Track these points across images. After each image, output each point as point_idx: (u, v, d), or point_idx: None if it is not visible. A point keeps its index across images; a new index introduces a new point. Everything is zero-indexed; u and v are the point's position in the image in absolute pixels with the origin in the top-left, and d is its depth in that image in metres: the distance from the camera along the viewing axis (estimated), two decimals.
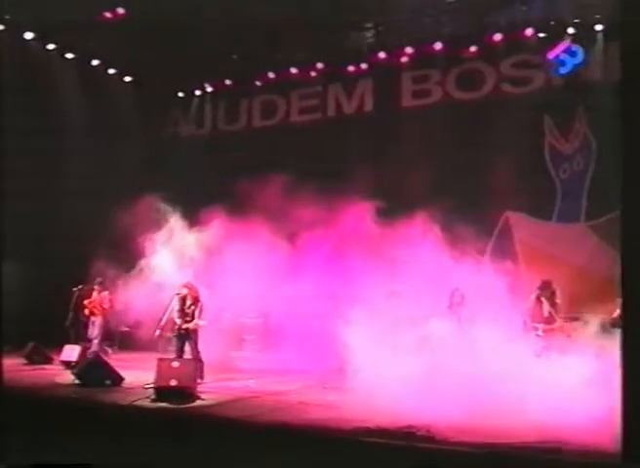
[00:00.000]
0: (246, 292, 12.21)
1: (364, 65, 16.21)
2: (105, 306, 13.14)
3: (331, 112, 16.93)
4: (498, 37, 14.55)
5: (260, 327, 13.87)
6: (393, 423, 7.03)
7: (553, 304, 10.27)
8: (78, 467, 6.35)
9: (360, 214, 11.76)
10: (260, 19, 13.77)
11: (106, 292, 13.13)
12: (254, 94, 17.65)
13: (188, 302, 10.72)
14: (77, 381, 10.30)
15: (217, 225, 12.08)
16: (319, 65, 16.58)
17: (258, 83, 17.40)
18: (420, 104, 15.80)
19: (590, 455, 6.06)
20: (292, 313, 11.87)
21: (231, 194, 12.96)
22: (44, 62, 15.76)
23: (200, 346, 10.73)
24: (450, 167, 14.19)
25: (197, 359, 10.58)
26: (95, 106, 16.19)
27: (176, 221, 12.27)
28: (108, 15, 14.44)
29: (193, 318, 10.67)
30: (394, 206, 11.90)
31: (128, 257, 12.20)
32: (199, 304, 10.73)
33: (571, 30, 13.79)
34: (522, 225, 14.54)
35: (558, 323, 10.12)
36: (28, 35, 15.34)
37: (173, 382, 9.11)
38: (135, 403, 8.81)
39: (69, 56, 16.34)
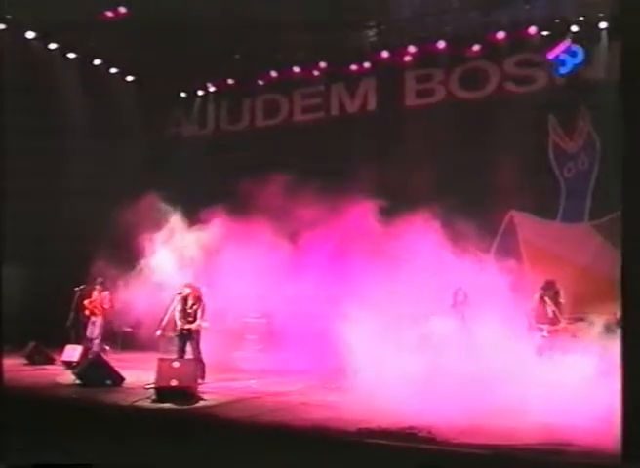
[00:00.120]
0: (248, 291, 12.19)
1: (367, 64, 16.13)
2: (106, 306, 13.10)
3: (334, 111, 16.86)
4: (501, 36, 14.47)
5: (262, 327, 13.81)
6: (395, 424, 7.02)
7: (557, 304, 10.21)
8: (79, 467, 6.34)
9: (363, 213, 11.74)
10: (263, 19, 13.71)
11: (107, 292, 13.10)
12: (256, 93, 17.59)
13: (190, 302, 10.69)
14: (78, 381, 10.28)
15: (219, 225, 12.06)
16: (322, 64, 16.51)
17: (260, 82, 17.34)
18: (423, 103, 15.72)
19: (591, 456, 6.03)
20: (294, 313, 11.84)
21: (234, 194, 12.93)
22: (45, 62, 15.72)
23: (202, 346, 10.70)
24: (453, 166, 14.12)
25: (198, 359, 10.55)
26: (96, 106, 16.14)
27: (178, 221, 12.26)
28: (110, 14, 14.41)
29: (195, 318, 10.64)
30: (398, 205, 11.83)
31: (129, 257, 12.18)
32: (201, 304, 10.70)
33: (574, 28, 13.70)
34: (526, 225, 14.47)
35: (562, 323, 10.05)
36: (30, 35, 15.29)
37: (173, 382, 9.09)
38: (135, 403, 8.80)
39: (71, 55, 16.30)
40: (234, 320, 13.72)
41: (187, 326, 10.61)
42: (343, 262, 11.93)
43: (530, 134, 13.86)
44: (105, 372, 10.37)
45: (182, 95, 18.48)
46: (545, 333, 9.93)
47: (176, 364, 9.51)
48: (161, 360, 9.55)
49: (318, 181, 12.00)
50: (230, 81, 17.71)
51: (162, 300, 10.83)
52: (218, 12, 13.65)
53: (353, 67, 16.29)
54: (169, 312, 10.50)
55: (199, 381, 9.95)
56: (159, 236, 12.13)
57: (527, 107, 13.86)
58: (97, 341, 13.00)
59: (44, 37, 15.59)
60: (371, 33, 15.74)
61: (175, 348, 10.82)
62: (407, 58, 15.72)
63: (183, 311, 10.66)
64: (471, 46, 14.92)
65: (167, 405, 8.78)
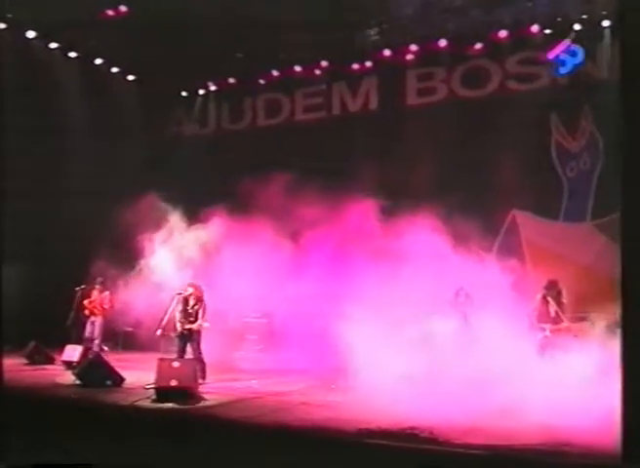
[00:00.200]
0: (249, 291, 12.16)
1: (369, 63, 16.09)
2: (106, 306, 13.08)
3: (336, 110, 16.82)
4: (503, 34, 14.41)
5: (263, 327, 13.77)
6: (396, 424, 7.00)
7: (559, 304, 10.15)
8: (79, 467, 6.33)
9: (365, 212, 11.71)
10: (264, 17, 13.66)
11: (107, 292, 13.08)
12: (258, 92, 17.55)
13: (192, 302, 10.67)
14: (78, 381, 10.27)
15: (220, 224, 12.03)
16: (323, 63, 16.47)
17: (262, 81, 17.30)
18: (425, 102, 15.67)
19: (591, 456, 6.02)
20: (295, 313, 11.80)
21: (235, 193, 12.89)
22: (46, 61, 15.69)
23: (202, 346, 10.66)
24: (455, 165, 14.07)
25: (199, 359, 10.52)
26: (97, 105, 16.11)
27: (178, 221, 12.23)
28: (111, 13, 14.36)
29: (197, 318, 10.62)
30: (399, 204, 11.80)
31: (129, 257, 12.17)
32: (203, 305, 10.67)
33: (577, 27, 13.64)
34: (529, 224, 14.41)
35: (565, 323, 10.00)
36: (30, 34, 15.26)
37: (173, 382, 9.09)
38: (135, 403, 8.80)
39: (72, 54, 16.27)
40: (235, 320, 13.69)
41: (188, 326, 10.58)
42: (345, 262, 11.88)
43: (532, 133, 13.77)
44: (105, 373, 10.36)
45: (184, 94, 18.45)
46: (548, 333, 9.88)
47: (176, 364, 9.50)
48: (161, 360, 9.54)
49: (319, 181, 11.96)
50: (232, 80, 17.66)
51: (162, 300, 10.82)
52: (219, 10, 13.60)
53: (355, 66, 16.24)
54: (169, 312, 10.47)
55: (200, 381, 9.94)
56: (159, 236, 12.10)
57: (529, 106, 13.77)
58: (97, 341, 12.98)
59: (44, 36, 15.56)
60: (372, 32, 15.66)
61: (175, 348, 10.79)
62: (409, 57, 15.66)
63: (184, 311, 10.64)
64: (473, 44, 14.86)
65: (167, 405, 8.75)
